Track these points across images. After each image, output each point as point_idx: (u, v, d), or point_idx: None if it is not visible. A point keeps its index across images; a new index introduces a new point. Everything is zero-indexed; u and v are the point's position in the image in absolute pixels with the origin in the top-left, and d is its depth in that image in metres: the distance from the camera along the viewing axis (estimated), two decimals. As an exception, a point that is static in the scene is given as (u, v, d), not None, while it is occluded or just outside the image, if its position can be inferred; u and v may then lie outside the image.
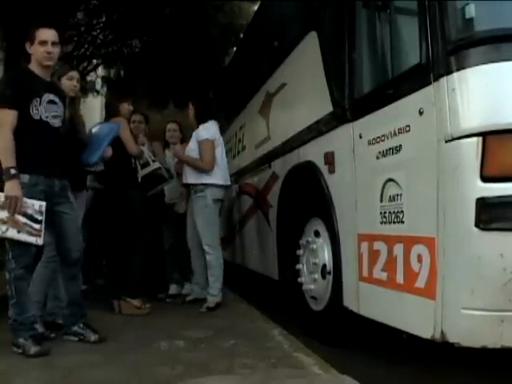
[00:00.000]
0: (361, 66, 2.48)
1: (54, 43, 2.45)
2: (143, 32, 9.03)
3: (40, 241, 2.36)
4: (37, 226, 2.34)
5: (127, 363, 2.16)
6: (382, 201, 2.24)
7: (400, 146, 2.11)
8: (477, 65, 1.77)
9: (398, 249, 2.11)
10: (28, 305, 2.40)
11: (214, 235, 3.67)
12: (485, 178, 1.71)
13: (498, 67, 1.75)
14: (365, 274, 2.38)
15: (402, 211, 2.10)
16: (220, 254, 3.69)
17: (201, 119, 3.74)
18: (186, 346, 2.47)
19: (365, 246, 2.38)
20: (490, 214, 1.69)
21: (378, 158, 2.26)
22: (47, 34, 2.45)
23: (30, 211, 2.32)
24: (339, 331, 2.68)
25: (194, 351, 2.37)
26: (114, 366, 2.13)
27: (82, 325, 2.60)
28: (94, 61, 9.92)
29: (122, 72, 10.74)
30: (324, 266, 2.81)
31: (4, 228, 2.29)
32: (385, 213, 2.22)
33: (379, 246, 2.26)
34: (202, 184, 3.61)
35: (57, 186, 2.50)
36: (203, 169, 3.61)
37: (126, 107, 3.59)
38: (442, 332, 1.79)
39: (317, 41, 2.94)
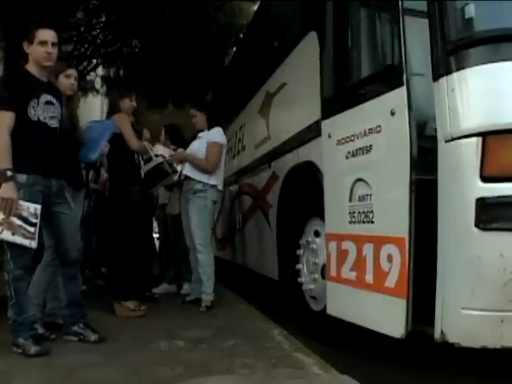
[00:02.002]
0: (331, 66, 2.54)
1: (53, 44, 2.44)
2: (143, 32, 9.02)
3: (34, 244, 2.33)
4: (31, 229, 2.31)
5: (127, 363, 2.16)
6: (351, 200, 2.26)
7: (370, 146, 2.13)
8: (476, 65, 1.77)
9: (368, 248, 2.13)
10: (27, 305, 2.39)
11: (207, 235, 3.71)
12: (485, 178, 1.71)
13: (498, 67, 1.75)
14: (333, 273, 2.41)
15: (372, 211, 2.12)
16: (211, 253, 3.72)
17: (213, 124, 3.80)
18: (185, 346, 2.47)
19: (333, 245, 2.42)
20: (490, 214, 1.70)
21: (347, 157, 2.29)
22: (47, 35, 2.43)
23: (25, 214, 2.30)
24: (339, 331, 2.68)
25: (194, 351, 2.37)
26: (113, 366, 2.13)
27: (81, 325, 2.60)
28: (94, 60, 9.92)
29: (121, 72, 10.72)
30: (324, 265, 2.81)
31: None
32: (354, 212, 2.25)
33: (348, 245, 2.28)
34: (205, 184, 3.63)
35: (54, 186, 2.49)
36: (206, 169, 3.65)
37: (127, 103, 3.56)
38: (442, 332, 1.79)
39: (312, 41, 2.94)
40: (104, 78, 11.08)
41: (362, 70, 2.27)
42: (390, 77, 2.03)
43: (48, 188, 2.45)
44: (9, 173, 2.27)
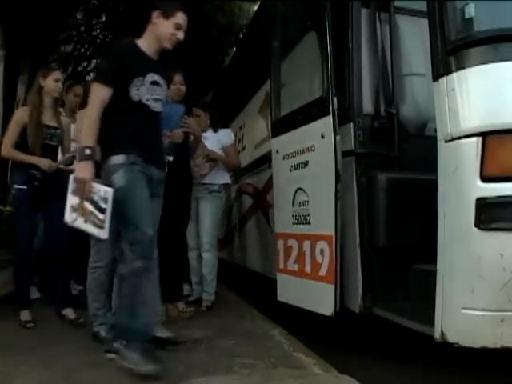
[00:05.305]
0: (278, 94, 3.03)
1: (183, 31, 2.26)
2: (143, 32, 9.05)
3: (103, 234, 2.02)
4: (101, 216, 2.02)
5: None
6: (293, 206, 2.71)
7: (307, 161, 2.59)
8: (476, 65, 1.77)
9: (306, 245, 2.59)
10: (142, 308, 2.06)
11: (215, 235, 3.73)
12: (485, 178, 1.71)
13: (498, 67, 1.75)
14: (281, 266, 2.89)
15: (309, 214, 2.58)
16: (216, 253, 3.71)
17: (216, 124, 3.82)
18: (186, 346, 2.46)
19: (281, 243, 2.89)
20: (490, 214, 1.69)
21: (290, 170, 2.76)
22: (184, 20, 2.23)
23: (95, 197, 2.02)
24: (340, 331, 2.69)
25: (194, 351, 2.37)
26: (113, 366, 2.12)
27: (124, 342, 2.15)
28: (94, 61, 9.94)
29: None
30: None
31: (74, 216, 2.07)
32: (295, 215, 2.70)
33: (292, 242, 2.75)
34: (221, 185, 3.64)
35: (155, 175, 2.21)
36: (237, 166, 3.88)
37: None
38: (442, 332, 1.79)
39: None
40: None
41: (301, 100, 2.72)
42: (320, 107, 2.46)
43: (148, 176, 2.16)
44: (87, 151, 2.02)
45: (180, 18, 2.21)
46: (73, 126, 3.26)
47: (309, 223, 2.58)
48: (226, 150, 3.71)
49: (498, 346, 1.71)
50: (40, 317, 2.95)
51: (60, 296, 3.04)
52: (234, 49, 8.95)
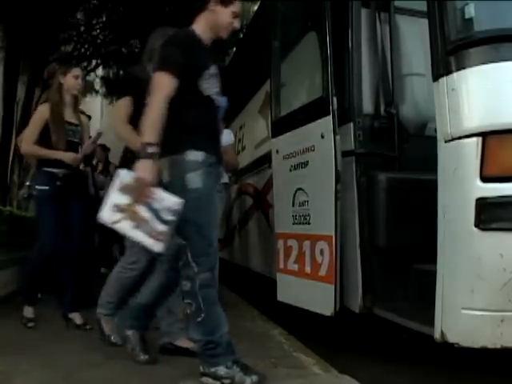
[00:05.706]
0: (278, 94, 3.05)
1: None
2: (143, 32, 9.04)
3: (158, 247, 1.79)
4: (161, 228, 1.76)
5: (127, 363, 2.15)
6: (293, 206, 2.72)
7: (307, 161, 2.60)
8: (476, 65, 1.77)
9: (306, 245, 2.60)
10: (221, 318, 1.96)
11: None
12: (485, 178, 1.71)
13: (498, 67, 1.75)
14: (281, 266, 2.89)
15: (309, 214, 2.58)
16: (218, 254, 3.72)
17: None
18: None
19: (281, 243, 2.89)
20: (490, 214, 1.69)
21: (290, 170, 2.77)
22: (240, 9, 2.10)
23: (157, 205, 1.76)
24: (340, 331, 2.68)
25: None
26: (113, 365, 2.12)
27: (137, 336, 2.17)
28: (94, 61, 9.94)
29: (121, 72, 10.75)
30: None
31: (117, 217, 1.78)
32: (295, 216, 2.71)
33: (292, 242, 2.77)
34: (221, 184, 3.65)
35: (217, 173, 2.10)
36: (235, 167, 3.89)
37: None
38: (442, 332, 1.79)
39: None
40: (104, 79, 11.09)
41: (301, 100, 2.76)
42: (320, 107, 2.46)
43: (216, 176, 2.05)
44: (150, 149, 1.78)
45: (237, 5, 2.07)
46: None
47: (309, 223, 2.58)
48: (225, 150, 3.71)
49: (498, 346, 1.71)
50: (41, 316, 2.95)
51: (69, 299, 2.96)
52: (234, 49, 8.93)
